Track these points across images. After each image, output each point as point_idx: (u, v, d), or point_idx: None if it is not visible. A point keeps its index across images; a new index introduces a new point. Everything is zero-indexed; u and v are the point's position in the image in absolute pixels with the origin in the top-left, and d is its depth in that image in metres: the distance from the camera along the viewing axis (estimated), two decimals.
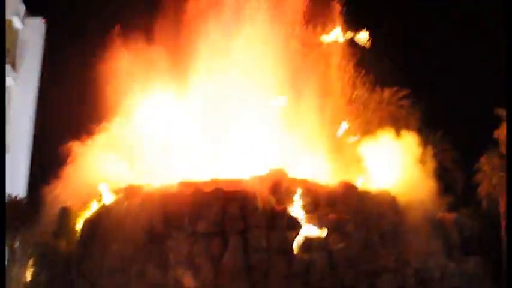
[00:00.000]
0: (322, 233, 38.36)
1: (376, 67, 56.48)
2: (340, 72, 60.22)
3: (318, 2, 54.50)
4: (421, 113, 59.86)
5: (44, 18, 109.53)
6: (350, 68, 60.89)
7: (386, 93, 60.95)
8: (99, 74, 52.01)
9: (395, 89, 60.86)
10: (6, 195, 60.34)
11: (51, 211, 47.38)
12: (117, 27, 53.33)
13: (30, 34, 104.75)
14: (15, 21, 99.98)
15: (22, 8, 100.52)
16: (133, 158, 52.42)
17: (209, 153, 48.74)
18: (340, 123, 57.07)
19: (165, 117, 51.82)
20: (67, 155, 55.13)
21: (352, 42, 59.31)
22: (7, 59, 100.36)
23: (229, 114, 49.71)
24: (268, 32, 50.93)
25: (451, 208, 45.78)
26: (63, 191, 50.20)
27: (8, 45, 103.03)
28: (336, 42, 58.90)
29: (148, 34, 53.73)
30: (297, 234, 38.28)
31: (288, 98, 52.70)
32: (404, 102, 60.38)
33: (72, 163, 54.32)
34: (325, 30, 57.86)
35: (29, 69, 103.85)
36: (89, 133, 57.94)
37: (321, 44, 58.23)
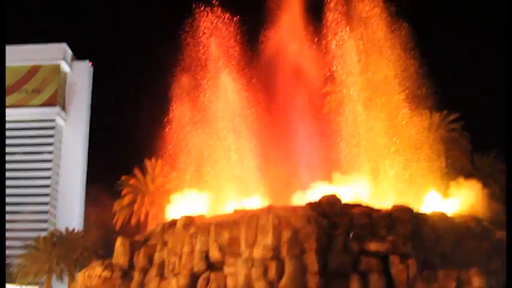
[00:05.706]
0: (380, 255, 37.88)
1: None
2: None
3: None
4: (471, 135, 59.14)
5: (91, 61, 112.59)
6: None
7: (436, 117, 60.34)
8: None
9: (444, 112, 60.22)
10: (64, 228, 61.87)
11: (108, 242, 48.08)
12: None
13: (78, 77, 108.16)
14: (63, 65, 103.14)
15: (69, 52, 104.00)
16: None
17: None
18: (389, 148, 56.69)
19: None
20: (120, 189, 56.39)
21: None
22: (58, 101, 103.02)
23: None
24: None
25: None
26: (119, 222, 51.05)
27: (57, 88, 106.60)
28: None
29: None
30: (354, 257, 37.89)
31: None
32: (455, 125, 59.64)
33: (125, 197, 55.55)
34: None
35: (78, 111, 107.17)
36: (140, 168, 59.17)
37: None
